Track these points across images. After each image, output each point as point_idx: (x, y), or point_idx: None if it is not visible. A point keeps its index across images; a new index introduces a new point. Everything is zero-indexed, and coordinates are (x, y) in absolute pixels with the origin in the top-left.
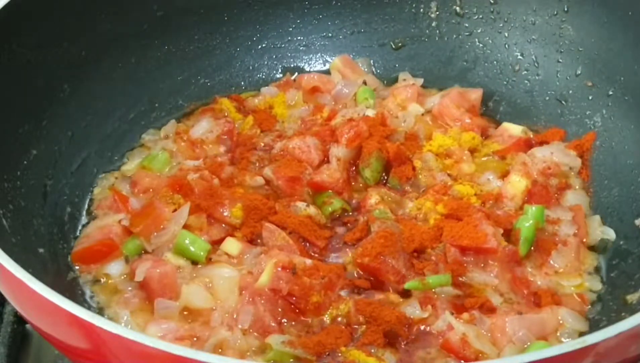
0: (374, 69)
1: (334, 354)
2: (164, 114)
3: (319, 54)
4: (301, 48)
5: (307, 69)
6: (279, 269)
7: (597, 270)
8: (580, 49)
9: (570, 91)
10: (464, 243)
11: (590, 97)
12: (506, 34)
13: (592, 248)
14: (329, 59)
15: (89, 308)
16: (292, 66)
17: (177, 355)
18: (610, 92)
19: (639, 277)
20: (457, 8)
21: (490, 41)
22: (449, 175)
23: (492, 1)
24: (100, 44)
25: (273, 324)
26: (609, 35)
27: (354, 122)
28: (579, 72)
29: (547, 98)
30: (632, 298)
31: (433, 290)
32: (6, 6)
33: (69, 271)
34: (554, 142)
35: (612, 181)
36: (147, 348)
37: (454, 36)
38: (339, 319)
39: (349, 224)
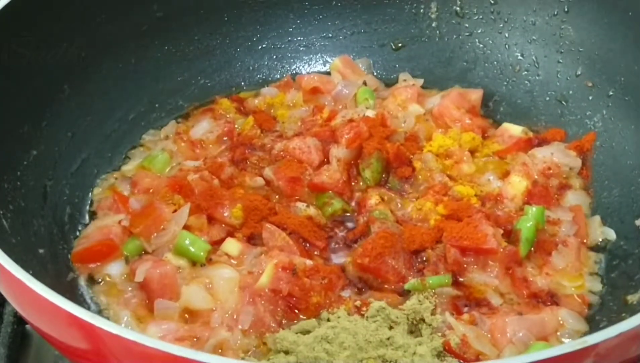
0: (374, 70)
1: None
2: (164, 115)
3: (319, 55)
4: (301, 48)
5: (307, 70)
6: (279, 270)
7: (597, 270)
8: (581, 49)
9: (571, 92)
10: (464, 244)
11: (590, 98)
12: (506, 35)
13: (592, 249)
14: (329, 60)
15: (89, 308)
16: (292, 66)
17: (177, 356)
18: (611, 93)
19: (639, 278)
20: (457, 8)
21: (491, 42)
22: (449, 176)
23: (492, 1)
24: (100, 44)
25: (273, 325)
26: (609, 36)
27: (354, 123)
28: (579, 72)
29: (548, 98)
30: (632, 298)
31: (433, 290)
32: (6, 6)
33: (69, 272)
34: (554, 142)
35: (612, 181)
36: (147, 349)
37: (454, 37)
38: None
39: (349, 225)
